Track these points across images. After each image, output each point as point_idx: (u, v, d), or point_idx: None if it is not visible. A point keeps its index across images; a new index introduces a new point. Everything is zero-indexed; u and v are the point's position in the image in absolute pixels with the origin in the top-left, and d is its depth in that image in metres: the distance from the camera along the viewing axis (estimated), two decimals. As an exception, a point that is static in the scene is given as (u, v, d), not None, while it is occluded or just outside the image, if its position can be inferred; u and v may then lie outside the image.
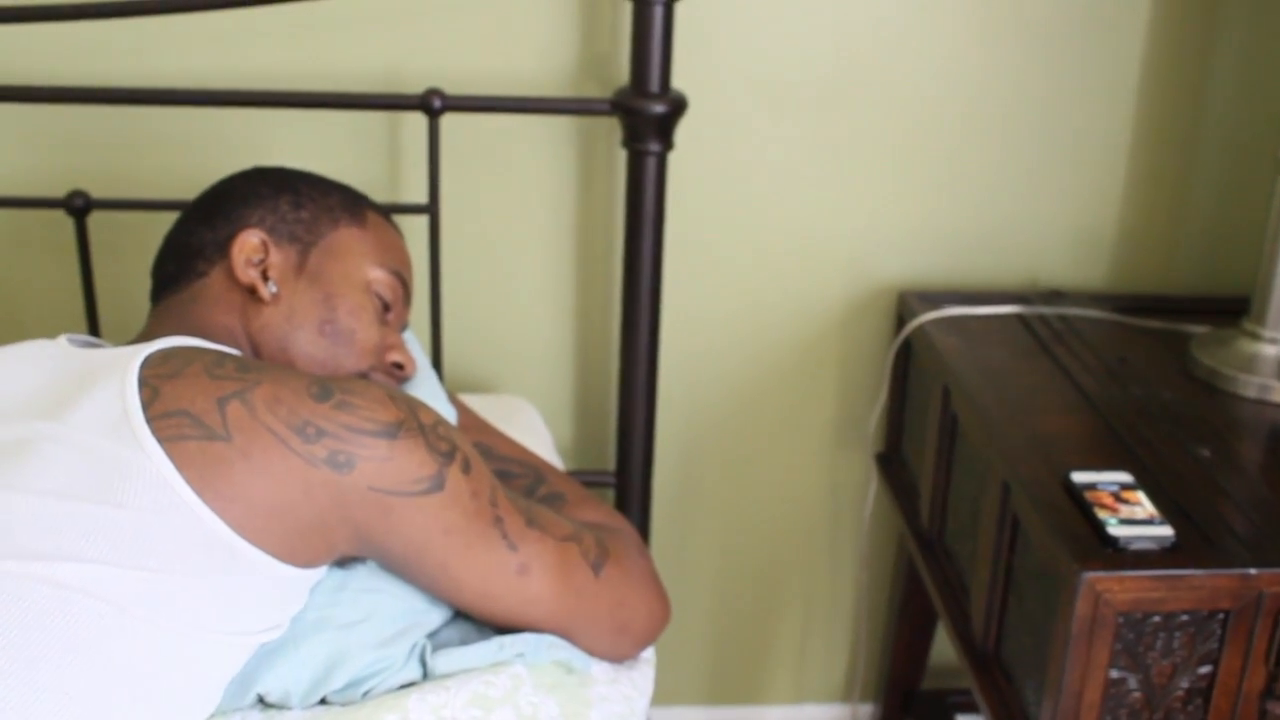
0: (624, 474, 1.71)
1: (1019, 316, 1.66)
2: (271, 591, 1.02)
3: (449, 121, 1.64)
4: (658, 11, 1.51)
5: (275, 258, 1.20)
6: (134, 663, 0.93)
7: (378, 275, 1.24)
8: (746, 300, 1.78)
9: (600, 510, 1.29)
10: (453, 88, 1.61)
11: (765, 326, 1.79)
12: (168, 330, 1.17)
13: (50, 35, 1.59)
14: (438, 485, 1.05)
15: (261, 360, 1.11)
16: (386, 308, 1.25)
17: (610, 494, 1.77)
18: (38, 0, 1.55)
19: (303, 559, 1.02)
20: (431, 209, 1.63)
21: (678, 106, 1.55)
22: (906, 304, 1.70)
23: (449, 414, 1.30)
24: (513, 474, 1.31)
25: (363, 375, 1.22)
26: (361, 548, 1.06)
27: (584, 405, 1.83)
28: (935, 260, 1.77)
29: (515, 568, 1.10)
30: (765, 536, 1.92)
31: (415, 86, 1.62)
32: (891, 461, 1.80)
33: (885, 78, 1.67)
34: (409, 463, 1.03)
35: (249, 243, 1.20)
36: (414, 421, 1.05)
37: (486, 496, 1.09)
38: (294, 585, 1.04)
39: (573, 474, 1.70)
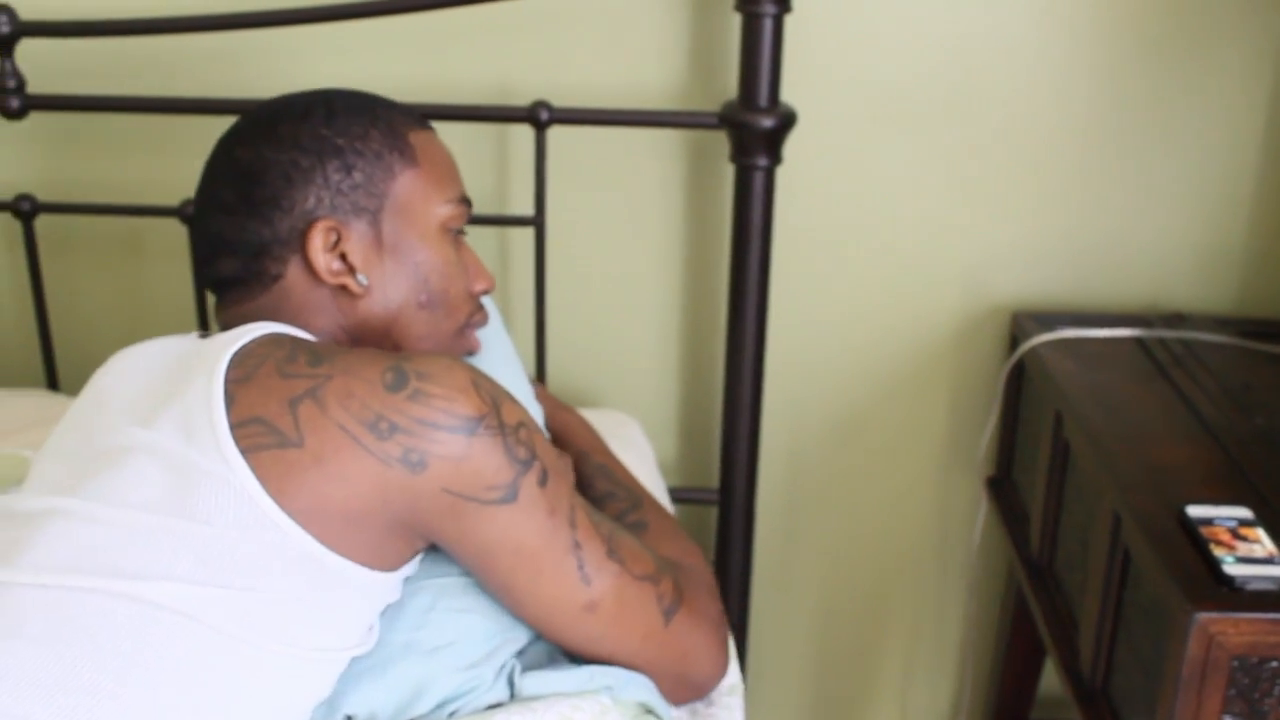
0: (727, 491, 1.69)
1: (1137, 340, 1.60)
2: (361, 601, 1.00)
3: (557, 134, 1.63)
4: (767, 24, 1.49)
5: (351, 242, 1.10)
6: (223, 681, 0.92)
7: (447, 212, 1.15)
8: (855, 317, 1.74)
9: (679, 543, 1.22)
10: (562, 100, 1.61)
11: (874, 345, 1.76)
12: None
13: (172, 44, 1.62)
14: (511, 496, 0.99)
15: (336, 348, 1.02)
16: (459, 233, 1.18)
17: (713, 511, 1.75)
18: (148, 14, 1.59)
19: (390, 562, 1.01)
20: (538, 221, 1.63)
21: (787, 120, 1.53)
22: (1020, 324, 1.66)
23: (533, 409, 1.25)
24: (606, 491, 1.28)
25: (462, 328, 1.17)
26: (438, 545, 1.03)
27: (688, 421, 1.81)
28: (1051, 279, 1.72)
29: (583, 603, 1.04)
30: (871, 559, 1.88)
31: (525, 98, 1.62)
32: (1002, 486, 1.75)
33: (1001, 89, 1.63)
34: (484, 466, 0.98)
35: (320, 236, 1.08)
36: (495, 419, 0.99)
37: (565, 515, 1.03)
38: (384, 589, 1.02)
39: (675, 491, 1.70)
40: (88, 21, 1.56)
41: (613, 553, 1.06)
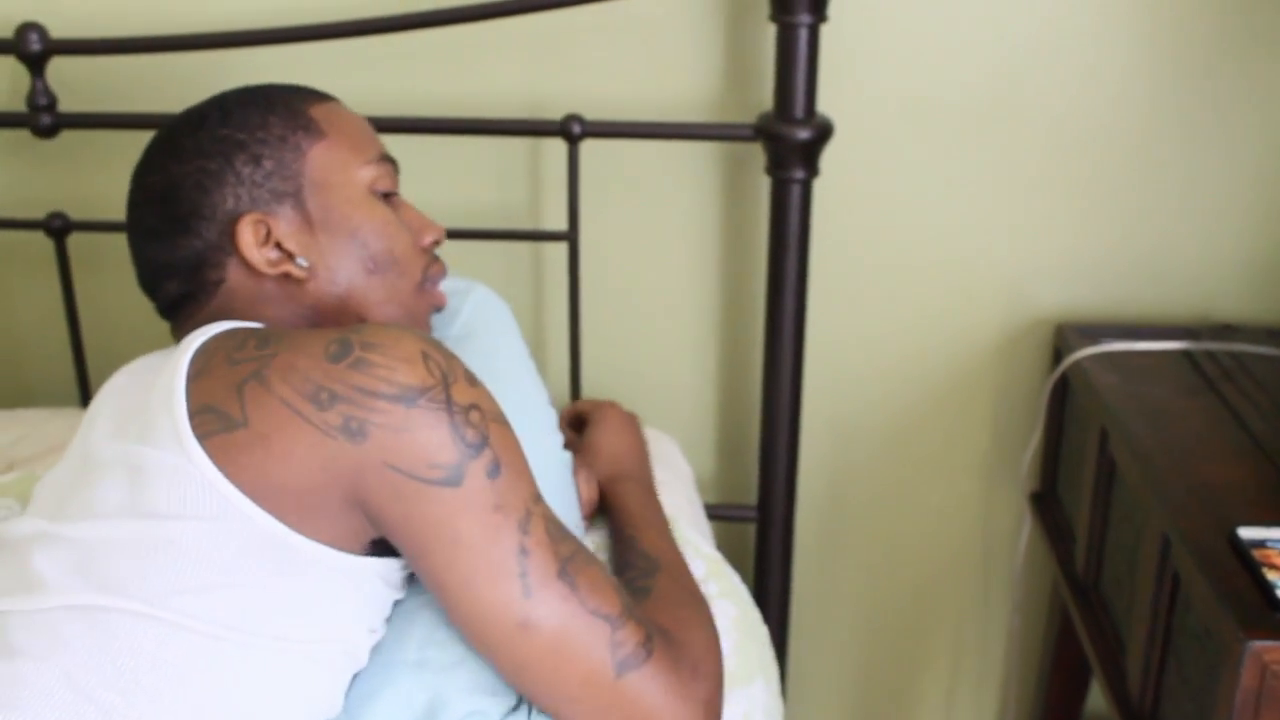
0: (766, 508, 1.66)
1: (1186, 353, 1.56)
2: (342, 587, 0.97)
3: (590, 147, 1.61)
4: (802, 34, 1.46)
5: (280, 229, 1.08)
6: (219, 683, 0.91)
7: (369, 174, 1.13)
8: (894, 331, 1.71)
9: (682, 614, 1.09)
10: (595, 113, 1.58)
11: (914, 359, 1.73)
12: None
13: (201, 61, 1.61)
14: (455, 479, 0.93)
15: (288, 331, 1.00)
16: (389, 195, 1.16)
17: (752, 529, 1.72)
18: (181, 31, 1.58)
19: (355, 543, 0.97)
20: (571, 236, 1.61)
21: (823, 132, 1.50)
22: (1064, 337, 1.62)
23: (539, 427, 1.23)
24: (623, 561, 1.20)
25: (420, 284, 1.15)
26: (386, 535, 0.97)
27: (726, 437, 1.79)
28: (1096, 290, 1.68)
29: (518, 619, 0.95)
30: (912, 576, 1.85)
31: (558, 112, 1.60)
32: (1046, 501, 1.71)
33: (1043, 98, 1.59)
34: (426, 440, 0.92)
35: (249, 232, 1.07)
36: (442, 393, 0.94)
37: (515, 516, 0.95)
38: (364, 574, 0.99)
39: (713, 508, 1.67)
40: (118, 39, 1.55)
41: (565, 574, 0.97)
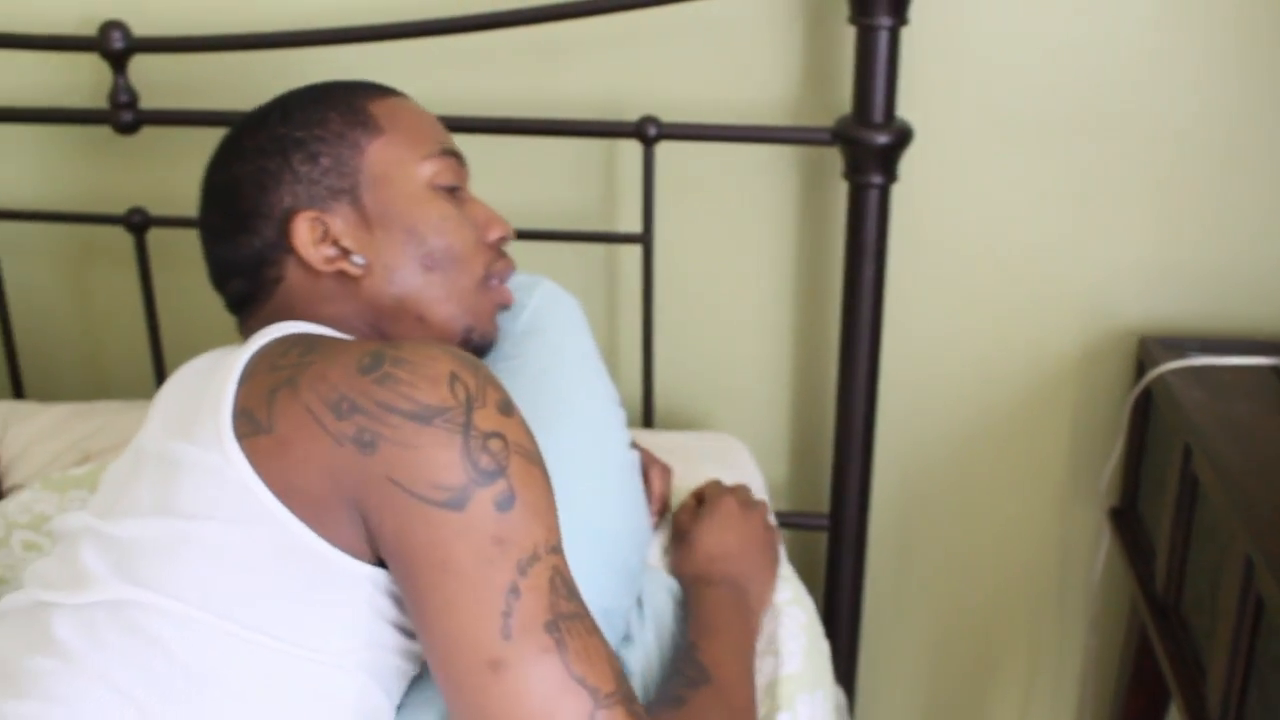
0: (838, 517, 1.64)
1: (1274, 369, 1.51)
2: (371, 595, 0.94)
3: (667, 148, 1.60)
4: (882, 36, 1.44)
5: (337, 226, 1.08)
6: (259, 686, 0.91)
7: (430, 169, 1.12)
8: (973, 340, 1.68)
9: None
10: (673, 114, 1.57)
11: (992, 368, 1.69)
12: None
13: (277, 59, 1.62)
14: (458, 503, 0.88)
15: (337, 340, 0.99)
16: (453, 190, 1.14)
17: (823, 538, 1.70)
18: (259, 30, 1.59)
19: (370, 556, 0.94)
20: (645, 239, 1.59)
21: (902, 137, 1.48)
22: (1148, 350, 1.58)
23: (609, 439, 1.21)
24: (674, 670, 1.11)
25: (482, 281, 1.14)
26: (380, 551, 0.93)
27: (799, 444, 1.76)
28: (1181, 302, 1.64)
29: (489, 657, 0.87)
30: (986, 590, 1.82)
31: (635, 112, 1.59)
32: (1126, 518, 1.67)
33: (1128, 102, 1.55)
34: (433, 459, 0.88)
35: (304, 230, 1.07)
36: (461, 415, 0.90)
37: (516, 556, 0.88)
38: (382, 586, 0.95)
39: (785, 515, 1.65)
40: (199, 37, 1.56)
41: (555, 628, 0.88)
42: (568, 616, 0.89)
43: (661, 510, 1.36)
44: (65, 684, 0.89)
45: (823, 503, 1.75)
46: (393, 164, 1.11)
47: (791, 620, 1.27)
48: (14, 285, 1.76)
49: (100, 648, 0.90)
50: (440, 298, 1.11)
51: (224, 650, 0.90)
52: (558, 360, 1.23)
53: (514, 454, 0.91)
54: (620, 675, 0.91)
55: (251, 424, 0.92)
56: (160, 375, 1.74)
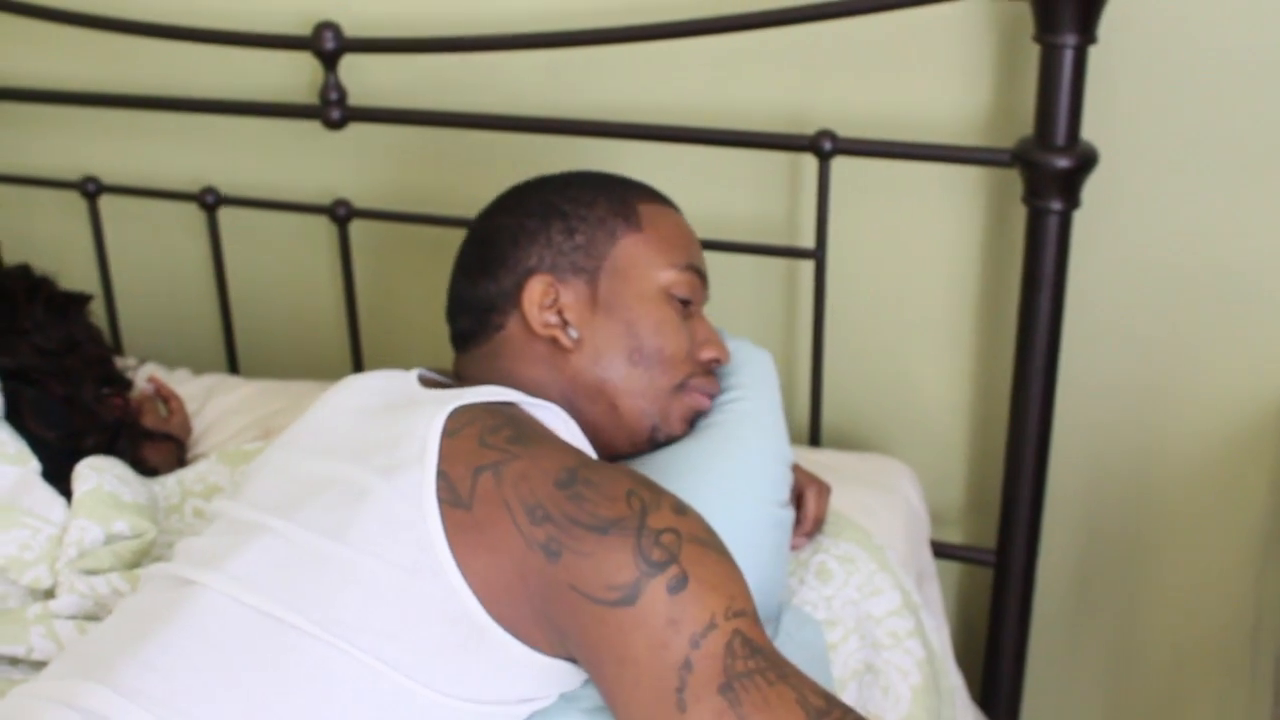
0: (1004, 554, 1.58)
1: None
2: (526, 672, 0.99)
3: (847, 163, 1.58)
4: (1067, 56, 1.38)
5: (567, 298, 1.17)
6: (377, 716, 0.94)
7: (670, 277, 1.20)
8: (1159, 378, 1.59)
9: None
10: (853, 128, 1.55)
11: (1180, 410, 1.59)
12: (476, 379, 1.19)
13: (468, 66, 1.68)
14: (630, 598, 0.92)
15: (540, 432, 1.05)
16: (686, 303, 1.21)
17: (989, 574, 1.64)
18: (456, 33, 1.65)
19: (548, 647, 0.98)
20: (818, 254, 1.58)
21: (1086, 161, 1.41)
22: (1354, 401, 1.47)
23: (771, 482, 1.21)
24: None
25: (680, 386, 1.20)
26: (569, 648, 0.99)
27: (973, 474, 1.71)
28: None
29: None
30: (1169, 646, 1.71)
31: (817, 125, 1.58)
32: (1324, 581, 1.55)
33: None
34: (608, 564, 0.93)
35: (537, 291, 1.17)
36: (635, 521, 0.95)
37: (691, 631, 0.91)
38: (549, 672, 1.00)
39: (945, 546, 1.61)
40: (407, 39, 1.64)
41: (729, 689, 0.90)
42: (742, 675, 0.91)
43: (813, 530, 1.36)
44: (187, 670, 0.94)
45: (990, 538, 1.69)
46: (638, 261, 1.20)
47: (908, 655, 1.23)
48: (234, 265, 1.88)
49: (225, 644, 0.95)
50: (635, 391, 1.18)
51: (354, 677, 0.94)
52: (736, 431, 1.24)
53: (686, 542, 0.95)
54: (816, 710, 0.91)
55: (452, 493, 0.98)
56: (357, 360, 1.82)
